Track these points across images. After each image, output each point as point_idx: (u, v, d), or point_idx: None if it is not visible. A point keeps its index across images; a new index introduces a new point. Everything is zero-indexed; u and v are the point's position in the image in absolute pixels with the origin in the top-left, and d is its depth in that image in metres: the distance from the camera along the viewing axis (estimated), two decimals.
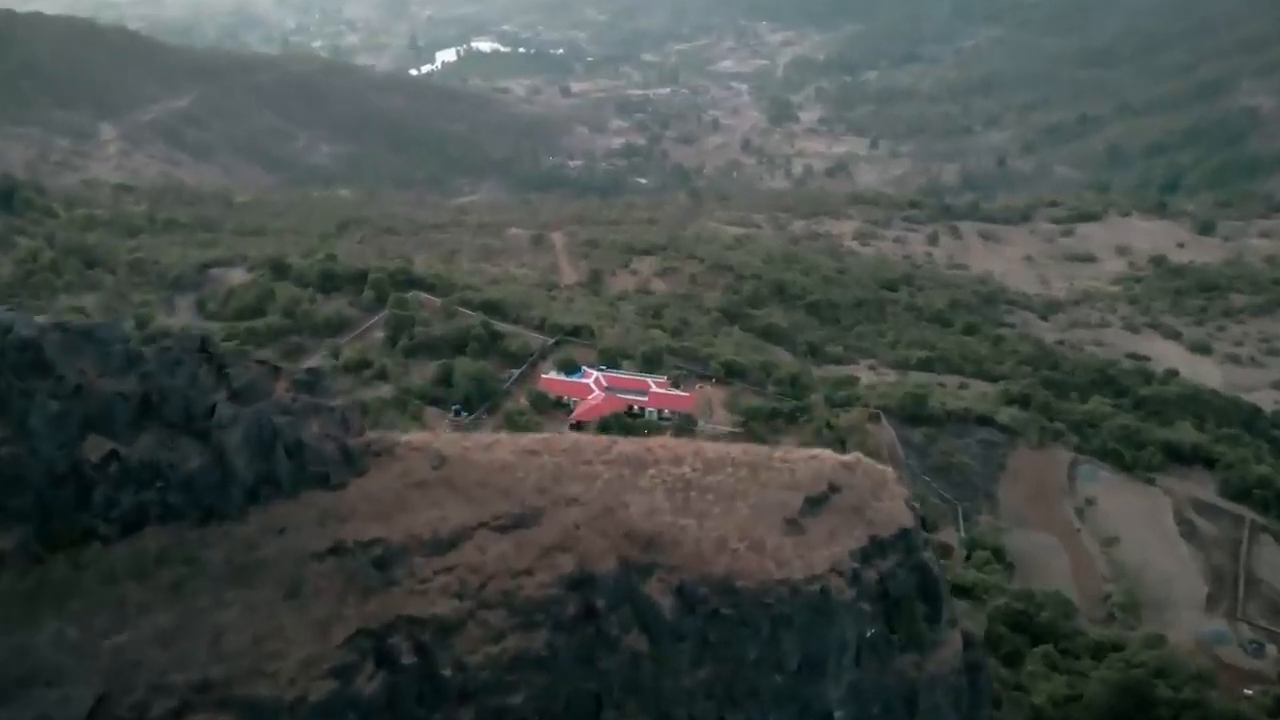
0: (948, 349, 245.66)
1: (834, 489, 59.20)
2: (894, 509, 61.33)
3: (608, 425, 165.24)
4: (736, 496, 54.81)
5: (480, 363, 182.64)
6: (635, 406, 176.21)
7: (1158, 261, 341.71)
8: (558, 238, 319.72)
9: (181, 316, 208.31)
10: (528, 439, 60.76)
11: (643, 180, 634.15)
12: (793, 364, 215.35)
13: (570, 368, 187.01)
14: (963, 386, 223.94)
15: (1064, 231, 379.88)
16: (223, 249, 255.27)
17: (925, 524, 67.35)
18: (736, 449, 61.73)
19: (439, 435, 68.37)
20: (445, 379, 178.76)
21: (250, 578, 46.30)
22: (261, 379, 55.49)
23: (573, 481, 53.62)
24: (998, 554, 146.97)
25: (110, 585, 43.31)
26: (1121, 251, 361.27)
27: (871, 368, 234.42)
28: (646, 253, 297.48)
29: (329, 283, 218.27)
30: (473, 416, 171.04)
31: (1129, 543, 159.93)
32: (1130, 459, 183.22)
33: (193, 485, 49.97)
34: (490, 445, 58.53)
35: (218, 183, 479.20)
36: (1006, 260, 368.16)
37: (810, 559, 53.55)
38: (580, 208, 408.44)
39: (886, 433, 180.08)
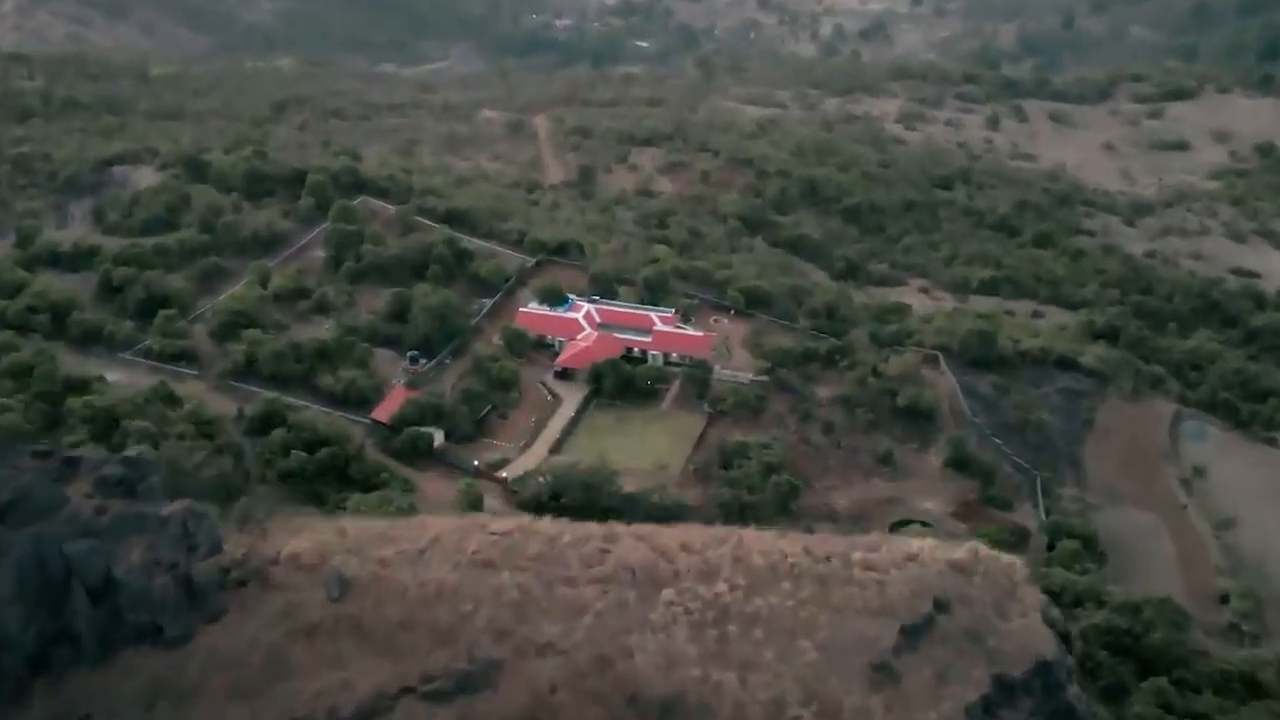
0: (1016, 266, 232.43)
1: (941, 607, 45.16)
2: (1027, 630, 47.28)
3: (601, 374, 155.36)
4: (798, 631, 40.46)
5: (443, 291, 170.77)
6: (636, 349, 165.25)
7: (1265, 151, 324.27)
8: (540, 124, 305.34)
9: (76, 229, 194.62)
10: (477, 537, 45.65)
11: (643, 44, 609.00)
12: (829, 288, 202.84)
13: (555, 298, 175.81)
14: (1036, 315, 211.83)
15: (1150, 113, 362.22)
16: (130, 140, 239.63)
17: (1067, 641, 52.49)
18: (796, 545, 47.08)
19: (345, 537, 52.18)
20: (400, 312, 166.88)
21: None
22: (42, 484, 39.97)
23: (547, 615, 38.92)
24: (1089, 543, 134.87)
25: None
26: (1220, 138, 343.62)
27: (924, 290, 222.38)
28: (648, 143, 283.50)
29: (257, 186, 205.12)
30: (433, 363, 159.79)
31: (1249, 524, 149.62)
32: (1246, 413, 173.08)
33: None
34: (422, 553, 43.44)
35: (134, 48, 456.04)
36: (1081, 149, 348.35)
37: None
38: (568, 83, 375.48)
39: (946, 381, 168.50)
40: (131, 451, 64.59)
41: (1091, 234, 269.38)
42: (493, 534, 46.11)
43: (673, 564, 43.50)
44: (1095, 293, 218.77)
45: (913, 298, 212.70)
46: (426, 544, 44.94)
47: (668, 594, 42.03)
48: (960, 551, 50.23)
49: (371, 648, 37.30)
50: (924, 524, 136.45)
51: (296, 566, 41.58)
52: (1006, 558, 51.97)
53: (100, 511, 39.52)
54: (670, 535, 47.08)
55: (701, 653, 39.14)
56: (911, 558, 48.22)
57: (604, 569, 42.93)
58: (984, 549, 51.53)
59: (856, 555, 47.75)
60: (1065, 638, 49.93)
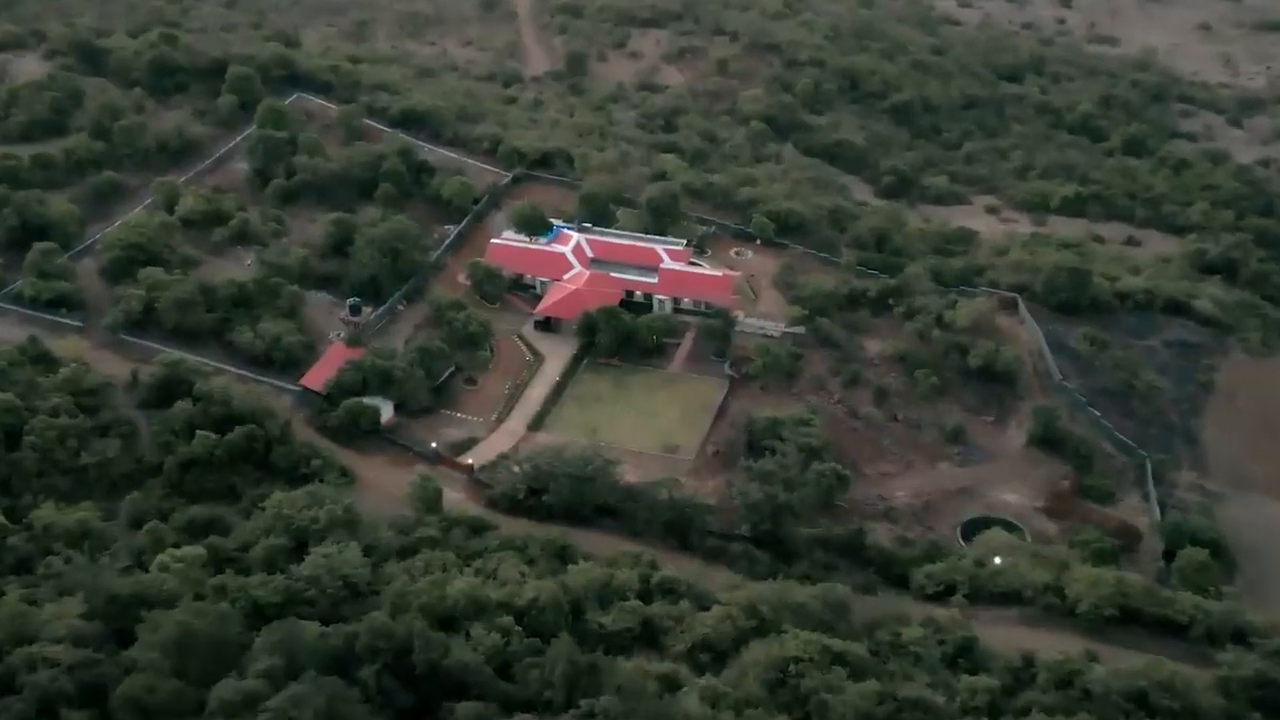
0: (1105, 180, 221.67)
1: None
2: None
3: (594, 325, 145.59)
4: None
5: (396, 218, 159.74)
6: (638, 293, 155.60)
7: None
8: (520, 0, 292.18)
9: None
10: None
11: None
12: (877, 210, 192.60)
13: (536, 225, 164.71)
14: (1131, 243, 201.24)
15: None
16: (10, 20, 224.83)
17: None
18: None
19: None
20: (340, 244, 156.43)
21: None
22: None
23: None
24: (1218, 550, 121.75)
25: None
26: None
27: (992, 210, 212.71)
28: (652, 24, 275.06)
29: (166, 80, 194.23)
30: (380, 311, 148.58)
31: None
32: None
33: None
34: None
35: None
36: (1172, 30, 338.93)
37: None
38: None
39: (1028, 333, 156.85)
40: None
41: (1192, 138, 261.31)
42: None
43: None
44: (1204, 214, 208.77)
45: (979, 221, 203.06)
46: None
47: None
48: None
49: None
50: (1006, 524, 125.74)
51: None
52: None
53: None
54: None
55: None
56: None
57: None
58: None
59: None
60: None
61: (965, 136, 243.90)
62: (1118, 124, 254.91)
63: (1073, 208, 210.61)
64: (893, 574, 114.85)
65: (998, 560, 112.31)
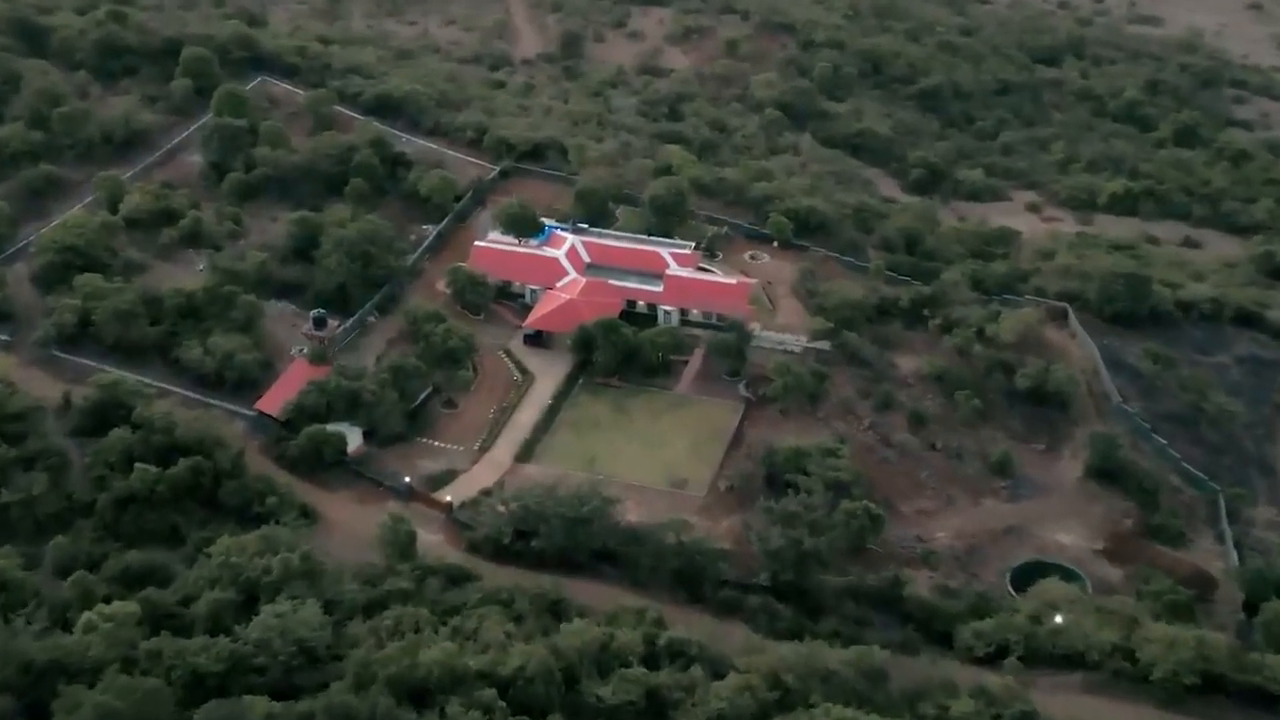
0: (1157, 174, 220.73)
1: None
2: None
3: (591, 340, 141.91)
4: None
5: (368, 218, 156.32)
6: (641, 303, 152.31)
7: None
8: None
9: None
10: None
11: None
12: (907, 207, 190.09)
13: (526, 226, 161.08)
14: (1189, 243, 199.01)
15: None
16: None
17: None
18: None
19: None
20: (304, 248, 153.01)
21: None
22: None
23: None
24: None
25: None
26: None
27: (1034, 207, 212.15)
28: (654, 1, 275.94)
29: (113, 62, 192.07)
30: (349, 324, 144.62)
31: None
32: None
33: None
34: None
35: None
36: (1220, 10, 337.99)
37: None
38: None
39: (1081, 348, 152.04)
40: None
41: (1248, 126, 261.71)
42: None
43: None
44: (1270, 212, 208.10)
45: (1019, 219, 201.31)
46: None
47: None
48: None
49: None
50: (1063, 570, 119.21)
51: None
52: None
53: None
54: None
55: None
56: None
57: None
58: None
59: None
60: None
61: (1001, 125, 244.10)
62: (1167, 111, 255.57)
63: (1123, 205, 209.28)
64: (934, 630, 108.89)
65: (1059, 619, 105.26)
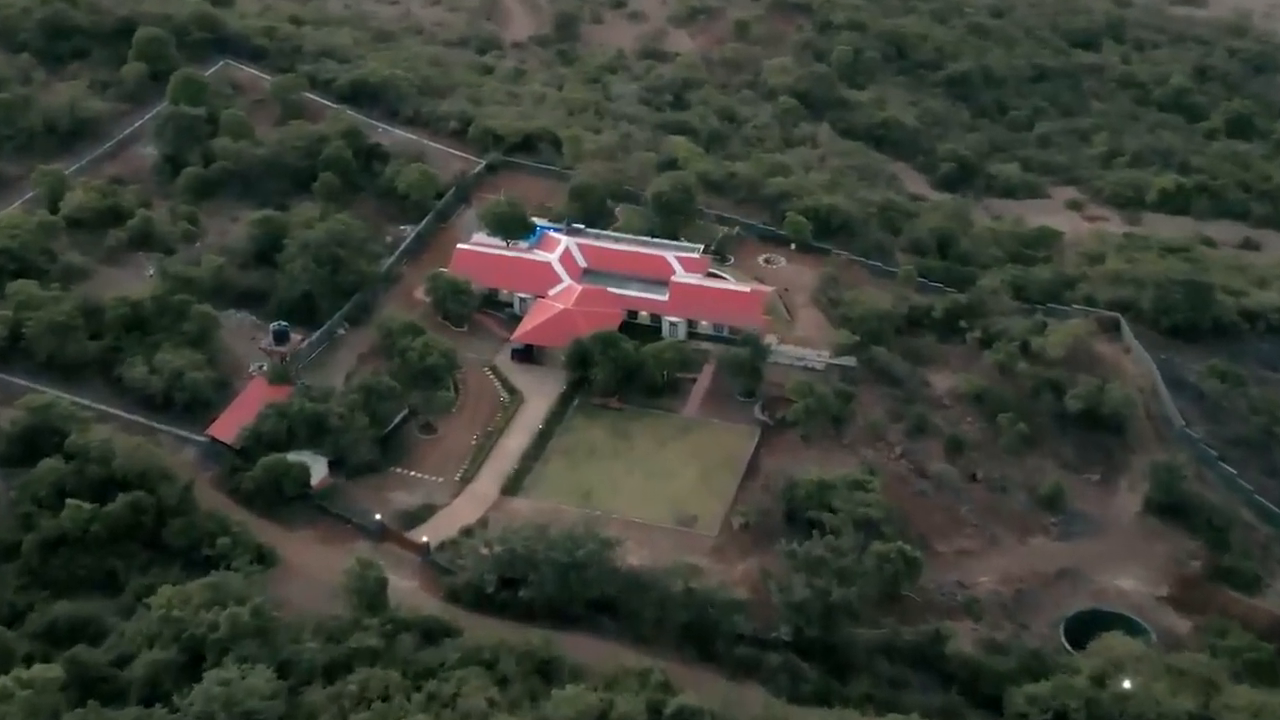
0: (1210, 168, 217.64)
1: None
2: None
3: (588, 356, 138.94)
4: None
5: (339, 217, 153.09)
6: (643, 313, 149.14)
7: None
8: None
9: None
10: None
11: None
12: (937, 205, 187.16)
13: (515, 227, 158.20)
14: (1248, 245, 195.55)
15: None
16: None
17: None
18: None
19: None
20: (267, 251, 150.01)
21: None
22: None
23: None
24: None
25: None
26: None
27: (1075, 205, 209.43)
28: None
29: (60, 44, 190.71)
30: (315, 338, 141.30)
31: None
32: None
33: None
34: None
35: None
36: None
37: None
38: None
39: (1137, 364, 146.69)
40: None
41: None
42: None
43: None
44: None
45: (1060, 218, 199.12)
46: None
47: None
48: None
49: None
50: (1125, 622, 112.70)
51: None
52: None
53: None
54: None
55: None
56: None
57: None
58: None
59: None
60: None
61: (1037, 115, 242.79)
62: (1217, 100, 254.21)
63: (1174, 202, 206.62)
64: (980, 693, 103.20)
65: (1127, 684, 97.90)
